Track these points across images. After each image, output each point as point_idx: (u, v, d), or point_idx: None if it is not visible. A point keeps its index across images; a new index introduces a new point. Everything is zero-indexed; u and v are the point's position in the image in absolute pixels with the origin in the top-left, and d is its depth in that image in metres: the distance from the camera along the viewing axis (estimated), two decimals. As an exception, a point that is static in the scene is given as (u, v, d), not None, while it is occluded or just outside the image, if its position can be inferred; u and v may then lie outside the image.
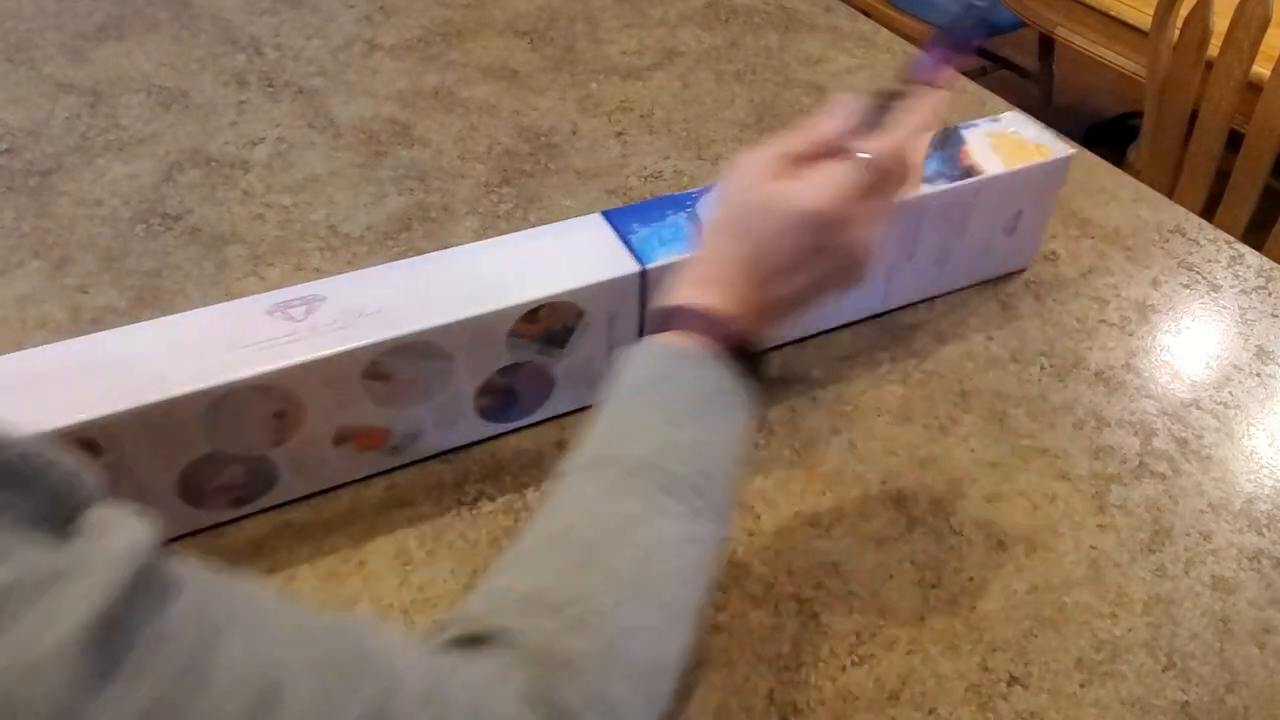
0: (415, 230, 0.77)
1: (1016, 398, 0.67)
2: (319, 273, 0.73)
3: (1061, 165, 0.71)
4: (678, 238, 0.60)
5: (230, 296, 0.71)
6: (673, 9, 1.09)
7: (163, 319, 0.55)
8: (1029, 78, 2.18)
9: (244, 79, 0.94)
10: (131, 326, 0.55)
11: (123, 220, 0.77)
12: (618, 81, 0.97)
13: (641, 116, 0.92)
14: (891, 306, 0.72)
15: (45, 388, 0.51)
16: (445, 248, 0.76)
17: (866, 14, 1.12)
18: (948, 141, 0.70)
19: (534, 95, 0.94)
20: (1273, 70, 1.15)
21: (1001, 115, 0.74)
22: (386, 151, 0.86)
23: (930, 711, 0.50)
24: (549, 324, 0.57)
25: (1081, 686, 0.52)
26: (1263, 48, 1.17)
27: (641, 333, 0.59)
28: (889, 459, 0.62)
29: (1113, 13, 1.40)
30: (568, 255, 0.59)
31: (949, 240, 0.70)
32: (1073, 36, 1.49)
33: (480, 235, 0.77)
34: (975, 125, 0.72)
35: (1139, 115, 1.39)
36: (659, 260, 0.59)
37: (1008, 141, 0.71)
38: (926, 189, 0.66)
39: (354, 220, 0.78)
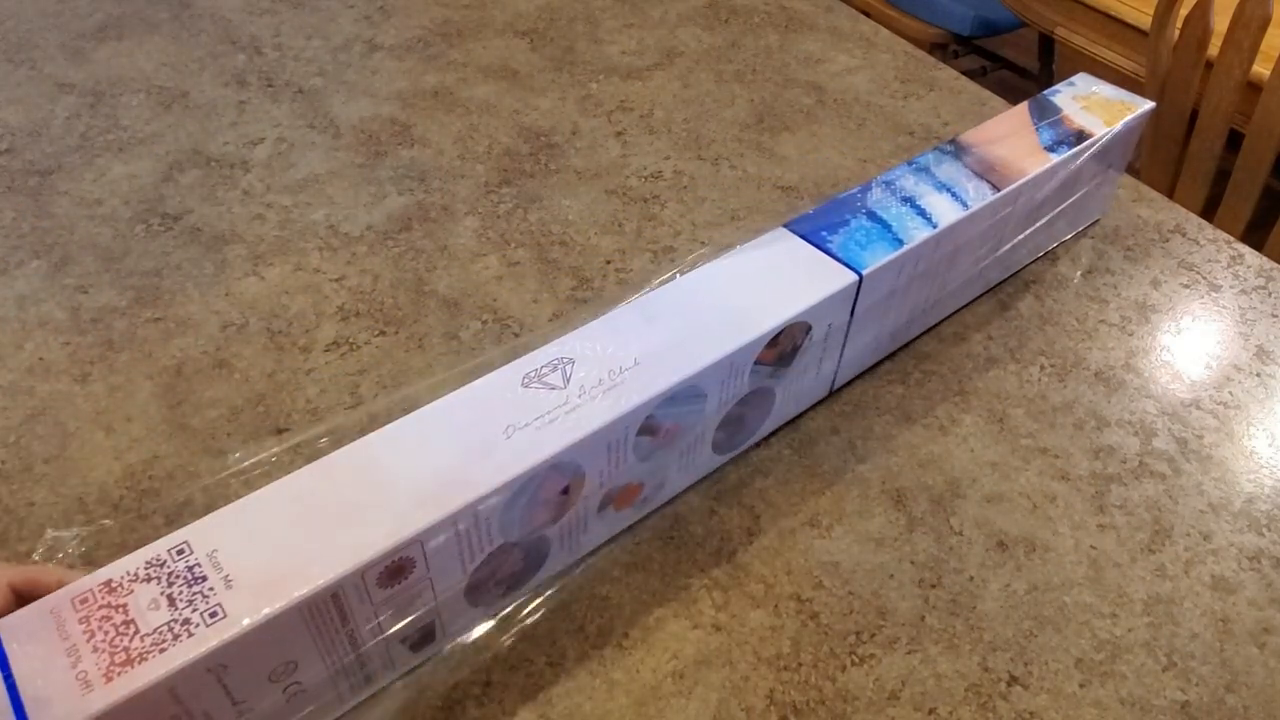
0: (415, 230, 0.77)
1: (1016, 398, 0.67)
2: (319, 273, 0.73)
3: (1144, 118, 0.75)
4: (871, 239, 0.61)
5: (231, 296, 0.71)
6: (673, 9, 1.09)
7: (417, 413, 0.50)
8: (1029, 78, 2.18)
9: (244, 79, 0.94)
10: (383, 431, 0.49)
11: (123, 220, 0.77)
12: (618, 81, 0.97)
13: (641, 116, 0.92)
14: (1013, 270, 0.75)
15: (346, 512, 0.46)
16: (445, 248, 0.76)
17: (866, 14, 1.12)
18: (1046, 111, 0.73)
19: (534, 95, 0.94)
20: (1273, 70, 1.15)
21: (1074, 79, 0.77)
22: (386, 151, 0.86)
23: (930, 711, 0.50)
24: (785, 346, 0.57)
25: (1081, 686, 0.52)
26: (1263, 48, 1.17)
27: (847, 338, 0.61)
28: (889, 459, 0.62)
29: (1113, 13, 1.40)
30: (785, 274, 0.59)
31: (1063, 199, 0.73)
32: (1073, 36, 1.49)
33: (480, 235, 0.77)
34: (1058, 92, 0.75)
35: (1139, 115, 1.39)
36: (870, 266, 0.59)
37: (1095, 102, 0.74)
38: (1056, 157, 0.68)
39: (354, 220, 0.78)
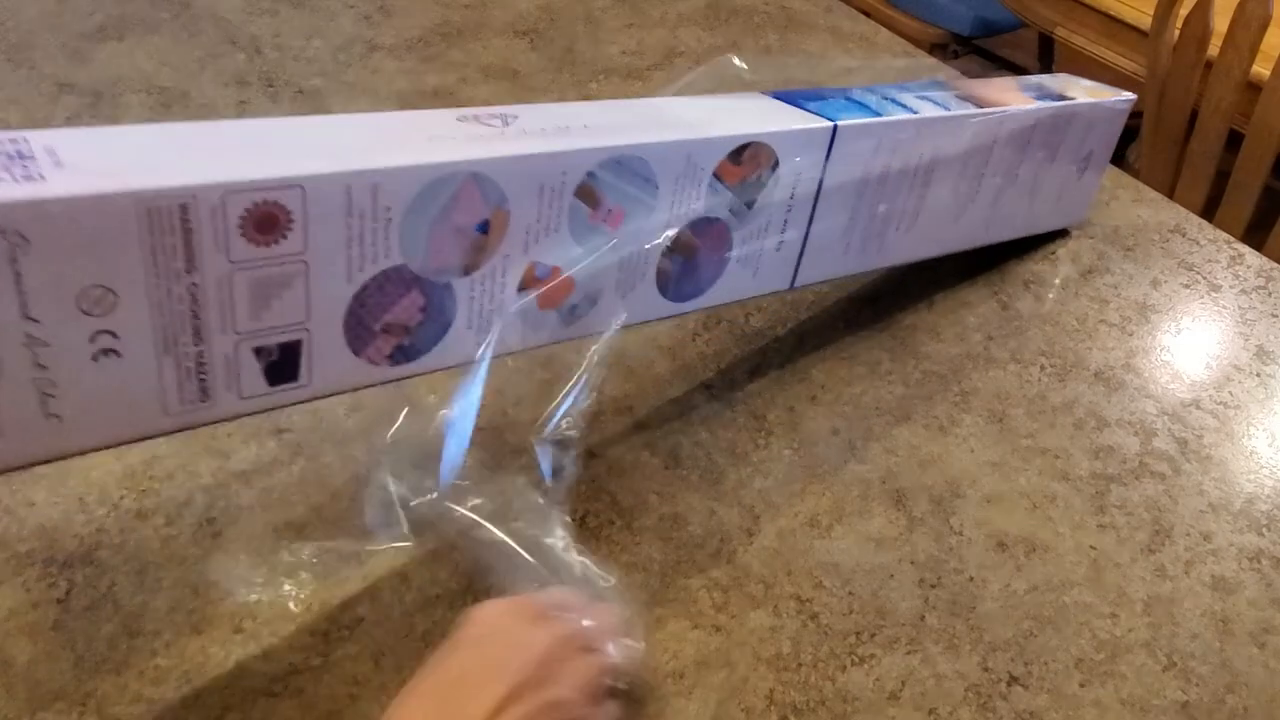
0: (415, 230, 0.77)
1: (1016, 398, 0.67)
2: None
3: (1125, 108, 0.75)
4: (850, 109, 0.60)
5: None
6: (673, 9, 1.09)
7: (334, 116, 0.48)
8: (1029, 78, 2.18)
9: (244, 79, 0.94)
10: (295, 118, 0.45)
11: (123, 220, 0.77)
12: (618, 81, 0.96)
13: (641, 116, 0.92)
14: (992, 241, 0.74)
15: (226, 147, 0.40)
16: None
17: (866, 14, 1.12)
18: (1029, 85, 0.73)
19: (534, 95, 0.94)
20: (1273, 70, 1.15)
21: (1055, 75, 0.78)
22: (386, 151, 0.86)
23: (930, 711, 0.50)
24: (749, 171, 0.54)
25: (1081, 686, 0.52)
26: (1263, 48, 1.17)
27: (814, 211, 0.59)
28: (889, 459, 0.62)
29: (1113, 13, 1.40)
30: (758, 111, 0.57)
31: (1043, 167, 0.72)
32: (1073, 36, 1.48)
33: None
34: (1039, 76, 0.76)
35: (1139, 115, 1.39)
36: (846, 120, 0.58)
37: (1077, 87, 0.75)
38: (1035, 105, 0.68)
39: (354, 220, 0.78)
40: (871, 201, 0.63)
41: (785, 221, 0.59)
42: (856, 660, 0.52)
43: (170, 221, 0.36)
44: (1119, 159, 1.36)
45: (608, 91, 0.95)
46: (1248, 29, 1.16)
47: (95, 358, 0.37)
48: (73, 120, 0.87)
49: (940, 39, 1.92)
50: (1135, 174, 0.91)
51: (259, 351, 0.42)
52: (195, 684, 0.49)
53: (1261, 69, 1.18)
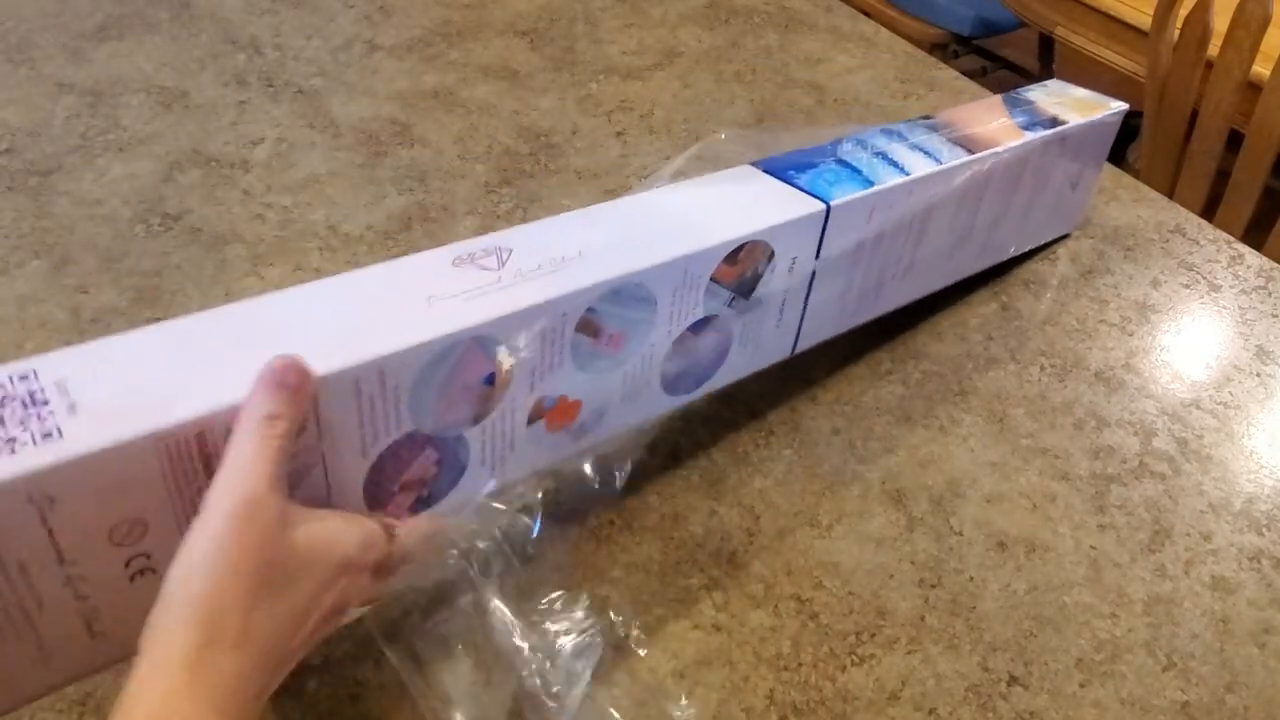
0: (415, 230, 0.77)
1: (1016, 398, 0.67)
2: (319, 273, 0.73)
3: (1116, 120, 0.74)
4: (840, 179, 0.59)
5: (231, 296, 0.71)
6: (673, 9, 1.09)
7: (325, 280, 0.45)
8: (1029, 78, 2.18)
9: (244, 79, 0.94)
10: (288, 290, 0.44)
11: (123, 220, 0.77)
12: (618, 81, 0.97)
13: (641, 116, 0.92)
14: (985, 266, 0.74)
15: (225, 354, 0.40)
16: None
17: (866, 14, 1.12)
18: (1018, 102, 0.72)
19: (534, 95, 0.94)
20: (1273, 70, 1.15)
21: (1046, 83, 0.77)
22: (386, 151, 0.86)
23: (930, 711, 0.50)
24: (745, 268, 0.53)
25: (1081, 686, 0.52)
26: (1263, 48, 1.17)
27: (812, 283, 0.58)
28: (889, 459, 0.62)
29: (1113, 13, 1.40)
30: (749, 198, 0.56)
31: (1036, 192, 0.71)
32: (1073, 36, 1.49)
33: (481, 235, 0.77)
34: (1029, 90, 0.75)
35: (1139, 115, 1.39)
36: (840, 197, 0.57)
37: (1066, 100, 0.74)
38: (1028, 135, 0.67)
39: (354, 220, 0.78)
40: (867, 263, 0.62)
41: (783, 303, 0.58)
42: (856, 660, 0.52)
43: (188, 450, 0.37)
44: (1119, 159, 1.36)
45: (608, 91, 0.95)
46: (1248, 29, 1.16)
47: (132, 579, 0.38)
48: (72, 120, 0.87)
49: (940, 39, 1.92)
50: (1135, 174, 0.91)
51: None
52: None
53: (1261, 69, 1.18)
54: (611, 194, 0.82)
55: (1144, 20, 1.31)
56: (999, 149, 0.65)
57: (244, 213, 0.79)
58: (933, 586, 0.56)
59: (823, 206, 0.56)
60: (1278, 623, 0.55)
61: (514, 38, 1.03)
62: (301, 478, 0.41)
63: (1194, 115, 1.28)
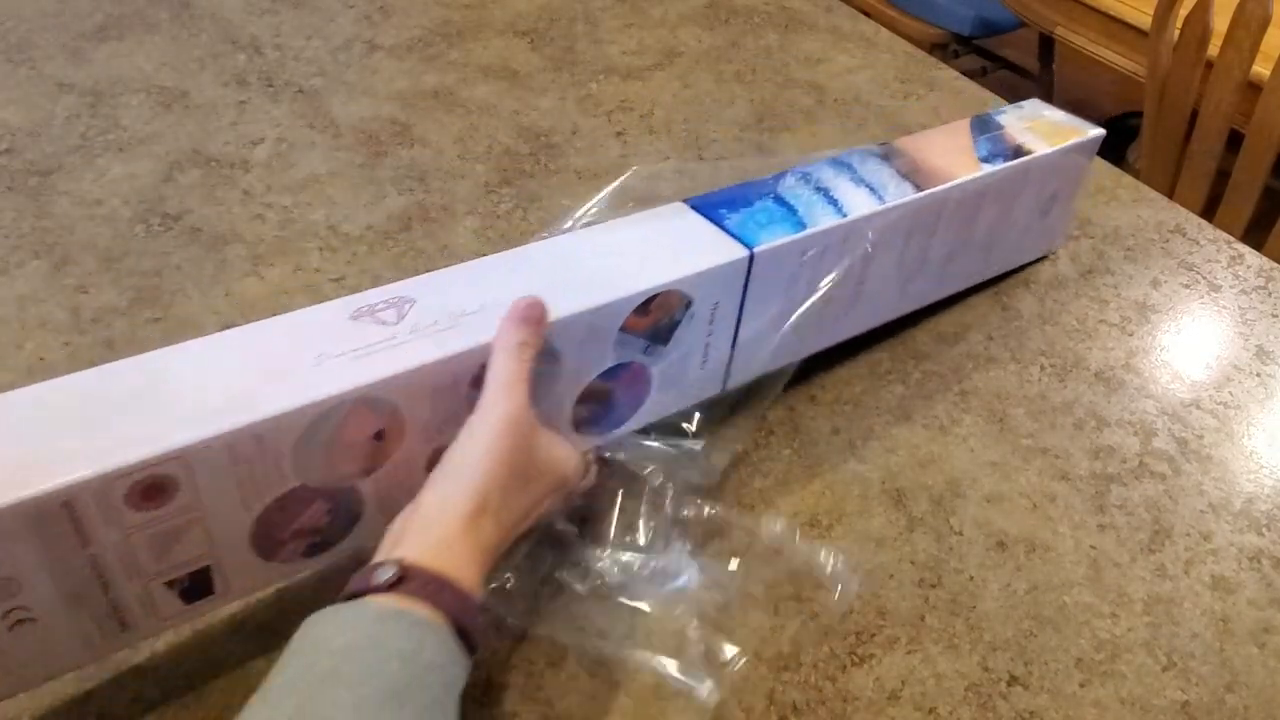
0: (415, 230, 0.77)
1: (1016, 398, 0.67)
2: (319, 273, 0.73)
3: (1092, 145, 0.72)
4: (774, 220, 0.57)
5: (231, 296, 0.71)
6: (673, 9, 1.09)
7: (227, 332, 0.47)
8: (1029, 78, 2.18)
9: (244, 79, 0.94)
10: (186, 344, 0.46)
11: (123, 220, 0.77)
12: (618, 81, 0.97)
13: (641, 116, 0.92)
14: (945, 295, 0.72)
15: (104, 417, 0.41)
16: (445, 247, 0.76)
17: (866, 14, 1.12)
18: (987, 126, 0.70)
19: (534, 95, 0.94)
20: (1273, 70, 1.15)
21: (1022, 104, 0.75)
22: (386, 151, 0.86)
23: (930, 711, 0.50)
24: (659, 317, 0.52)
25: (1081, 686, 0.52)
26: (1263, 48, 1.17)
27: (739, 325, 0.57)
28: (889, 459, 0.62)
29: (1113, 13, 1.40)
30: (669, 243, 0.54)
31: (1000, 221, 0.70)
32: (1073, 36, 1.49)
33: (480, 235, 0.77)
34: (1004, 112, 0.73)
35: (1139, 115, 1.39)
36: (765, 244, 0.55)
37: (1040, 125, 0.71)
38: (987, 167, 0.65)
39: (354, 220, 0.78)
40: (802, 299, 0.60)
41: (707, 344, 0.57)
42: (856, 660, 0.52)
43: (57, 517, 0.38)
44: (1119, 159, 1.36)
45: (608, 91, 0.95)
46: (1248, 29, 1.16)
47: (11, 628, 0.39)
48: (72, 120, 0.87)
49: (940, 39, 1.92)
50: (1135, 174, 0.91)
51: (171, 583, 0.44)
52: (195, 683, 0.49)
53: (1261, 69, 1.18)
54: (611, 194, 0.82)
55: (1144, 20, 1.31)
56: (948, 185, 0.63)
57: (244, 213, 0.79)
58: (933, 586, 0.56)
59: (745, 253, 0.55)
60: (1278, 623, 0.55)
61: (514, 38, 1.03)
62: (180, 536, 0.42)
63: (1194, 115, 1.28)
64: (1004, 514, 0.60)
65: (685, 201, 0.59)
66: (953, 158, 0.66)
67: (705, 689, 0.49)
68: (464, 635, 0.39)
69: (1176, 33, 1.25)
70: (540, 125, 0.90)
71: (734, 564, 0.55)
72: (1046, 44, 2.09)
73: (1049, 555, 0.58)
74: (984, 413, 0.66)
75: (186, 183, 0.81)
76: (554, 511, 0.51)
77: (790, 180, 0.61)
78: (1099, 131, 0.72)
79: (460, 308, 0.48)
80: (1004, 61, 2.23)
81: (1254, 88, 1.20)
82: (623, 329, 0.52)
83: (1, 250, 0.74)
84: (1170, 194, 1.14)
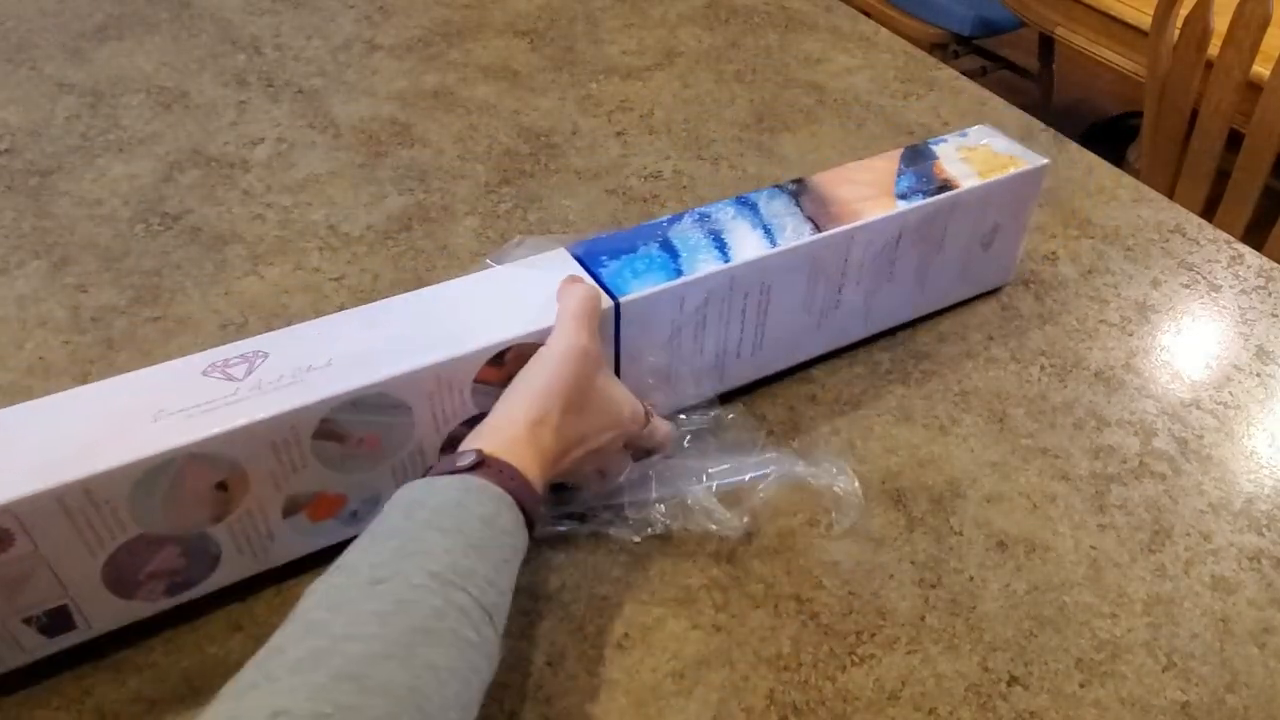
0: (415, 230, 0.77)
1: (1016, 398, 0.67)
2: (319, 272, 0.73)
3: (1037, 176, 0.70)
4: (651, 268, 0.57)
5: (230, 296, 0.71)
6: (673, 9, 1.09)
7: (80, 388, 0.49)
8: (1029, 78, 2.18)
9: (244, 79, 0.94)
10: (47, 398, 0.49)
11: (123, 220, 0.77)
12: (618, 81, 0.97)
13: (641, 116, 0.92)
14: (874, 331, 0.70)
15: None
16: (445, 247, 0.76)
17: (866, 14, 1.12)
18: (919, 157, 0.68)
19: (534, 95, 0.94)
20: (1273, 70, 1.15)
21: (969, 130, 0.72)
22: (386, 151, 0.86)
23: (930, 711, 0.50)
24: (515, 368, 0.52)
25: (1081, 686, 0.52)
26: (1263, 48, 1.17)
27: (618, 370, 0.57)
28: (889, 459, 0.62)
29: (1113, 13, 1.40)
30: (535, 293, 0.55)
31: (927, 257, 0.68)
32: (1073, 36, 1.49)
33: (480, 235, 0.77)
34: (944, 140, 0.70)
35: (1139, 115, 1.39)
36: (632, 293, 0.56)
37: (979, 154, 0.69)
38: (904, 205, 0.63)
39: (354, 220, 0.78)
40: (689, 346, 0.60)
41: None
42: (856, 660, 0.52)
43: None
44: (1119, 159, 1.37)
45: (608, 91, 0.95)
46: (1248, 29, 1.16)
47: None
48: (72, 120, 0.87)
49: (940, 39, 1.92)
50: (1135, 174, 0.91)
51: (29, 620, 0.46)
52: (194, 683, 0.49)
53: (1261, 69, 1.18)
54: (611, 194, 0.82)
55: (1144, 20, 1.31)
56: (847, 227, 0.62)
57: (244, 212, 0.79)
58: (933, 586, 0.56)
59: (610, 304, 0.55)
60: (1278, 623, 0.55)
61: (514, 38, 1.03)
62: (27, 579, 0.44)
63: (1194, 115, 1.28)
64: (1004, 514, 0.60)
65: (568, 248, 0.59)
66: (865, 195, 0.64)
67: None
68: (526, 518, 0.46)
69: (1176, 32, 1.25)
70: (540, 125, 0.90)
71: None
72: (1046, 44, 2.09)
73: (1049, 555, 0.58)
74: (984, 413, 0.66)
75: (186, 182, 0.81)
76: (616, 469, 0.56)
77: (686, 223, 0.61)
78: (1043, 161, 0.69)
79: (310, 362, 0.50)
80: (1004, 61, 2.23)
81: (1254, 88, 1.20)
82: (478, 380, 0.53)
83: (1, 250, 0.74)
84: (1170, 194, 1.14)
